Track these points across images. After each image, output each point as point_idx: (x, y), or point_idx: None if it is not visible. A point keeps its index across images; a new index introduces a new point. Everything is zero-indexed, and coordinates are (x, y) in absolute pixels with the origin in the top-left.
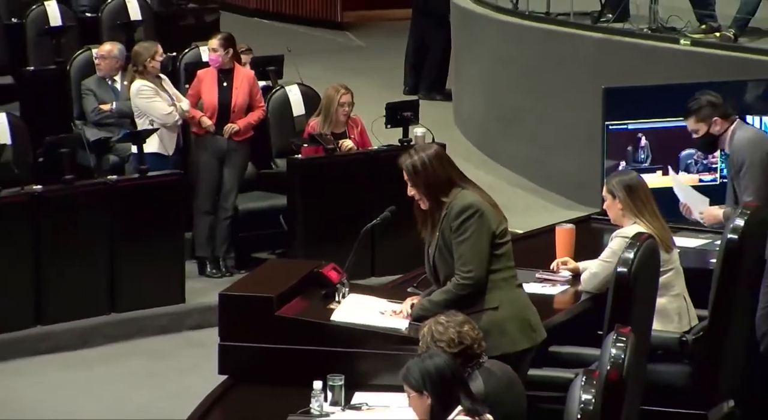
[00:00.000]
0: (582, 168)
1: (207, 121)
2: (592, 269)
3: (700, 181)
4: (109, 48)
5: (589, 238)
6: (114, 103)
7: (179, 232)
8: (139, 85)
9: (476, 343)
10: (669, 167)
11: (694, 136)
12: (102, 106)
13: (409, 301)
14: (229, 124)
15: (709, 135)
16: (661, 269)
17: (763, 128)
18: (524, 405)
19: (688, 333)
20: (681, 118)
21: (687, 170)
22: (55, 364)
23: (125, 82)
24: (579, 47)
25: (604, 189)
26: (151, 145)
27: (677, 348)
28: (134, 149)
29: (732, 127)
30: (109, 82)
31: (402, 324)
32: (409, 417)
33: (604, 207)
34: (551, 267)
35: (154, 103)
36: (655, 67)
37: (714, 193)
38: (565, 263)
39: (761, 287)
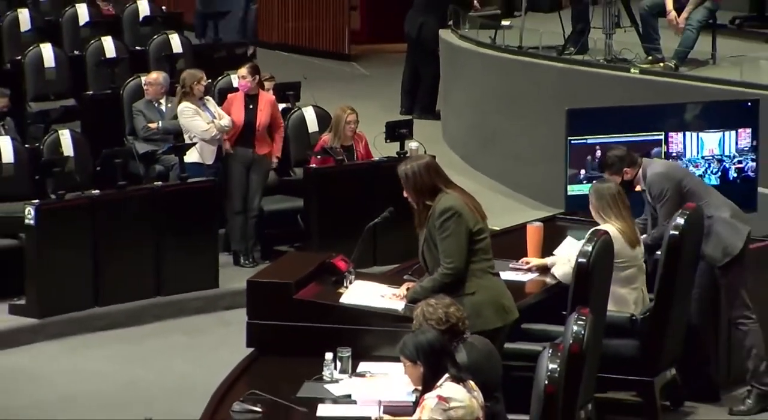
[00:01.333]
0: (548, 176)
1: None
2: (562, 259)
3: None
4: (156, 76)
5: (554, 234)
6: (160, 122)
7: (214, 228)
8: (182, 106)
9: (461, 321)
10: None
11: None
12: (150, 125)
13: (404, 286)
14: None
15: (624, 181)
16: (626, 264)
17: (699, 142)
18: (500, 373)
19: (639, 314)
20: (631, 134)
21: None
22: (111, 339)
23: (170, 105)
24: (546, 75)
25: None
26: (191, 156)
27: (628, 326)
28: (177, 160)
29: (641, 168)
30: (156, 105)
31: (399, 305)
32: (405, 383)
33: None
34: (519, 263)
35: (194, 121)
36: (610, 92)
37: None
38: (528, 263)
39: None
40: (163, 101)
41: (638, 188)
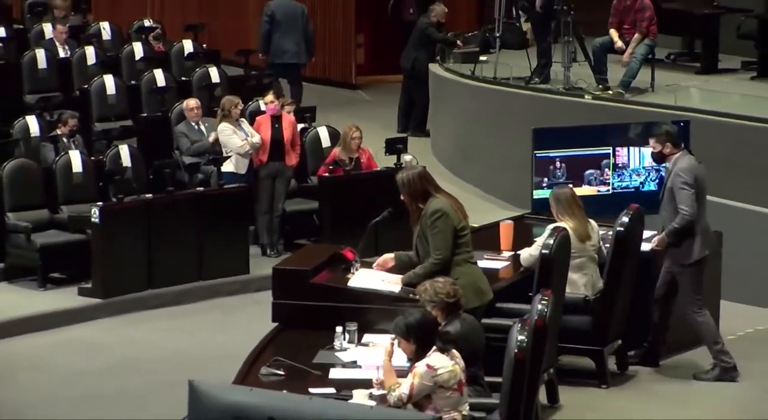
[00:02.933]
0: (518, 182)
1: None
2: (532, 252)
3: (598, 191)
4: (194, 103)
5: (522, 230)
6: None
7: (245, 225)
8: (222, 126)
9: (460, 297)
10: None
11: (652, 151)
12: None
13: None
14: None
15: (660, 153)
16: (576, 255)
17: (640, 155)
18: (484, 343)
19: (591, 295)
20: (585, 148)
21: (589, 184)
22: (161, 315)
23: (206, 125)
24: (516, 101)
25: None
26: (227, 167)
27: (582, 304)
28: (216, 170)
29: (678, 154)
30: (195, 126)
31: (396, 288)
32: (400, 352)
33: None
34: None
35: (231, 139)
36: (568, 115)
37: (603, 201)
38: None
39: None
40: (201, 122)
41: (665, 165)
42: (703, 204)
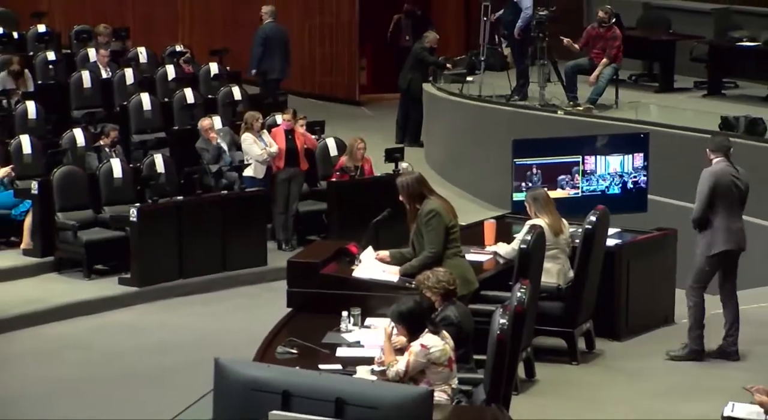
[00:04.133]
0: (500, 186)
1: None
2: (514, 245)
3: (569, 194)
4: (207, 124)
5: (503, 228)
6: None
7: (263, 223)
8: (245, 136)
9: (457, 286)
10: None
11: None
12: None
13: (382, 253)
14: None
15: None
16: (551, 247)
17: (606, 163)
18: (473, 326)
19: (563, 284)
20: (558, 157)
21: (561, 187)
22: (190, 302)
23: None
24: (498, 116)
25: (525, 199)
26: (248, 172)
27: (556, 292)
28: (238, 175)
29: (716, 160)
30: (213, 141)
31: (394, 278)
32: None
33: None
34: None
35: (252, 148)
36: (543, 128)
37: (573, 203)
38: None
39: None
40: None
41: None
42: (724, 205)
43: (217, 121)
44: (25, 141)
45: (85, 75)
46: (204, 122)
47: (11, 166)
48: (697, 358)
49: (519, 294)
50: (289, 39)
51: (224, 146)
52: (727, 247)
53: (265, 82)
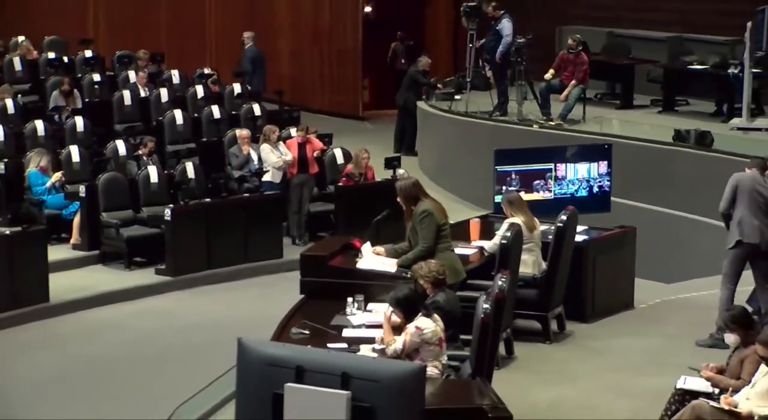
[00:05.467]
0: (483, 190)
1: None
2: (495, 241)
3: (543, 197)
4: (245, 134)
5: (487, 226)
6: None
7: (280, 221)
8: (264, 146)
9: (446, 275)
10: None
11: None
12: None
13: (378, 249)
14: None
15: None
16: (527, 241)
17: (575, 170)
18: (460, 310)
19: (538, 274)
20: (533, 165)
21: (536, 191)
22: (217, 290)
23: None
24: (482, 129)
25: (502, 201)
26: (266, 178)
27: (531, 281)
28: (258, 180)
29: (749, 168)
30: (244, 151)
31: (392, 269)
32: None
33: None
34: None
35: (269, 156)
36: (521, 139)
37: (547, 204)
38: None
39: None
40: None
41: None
42: (743, 203)
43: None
44: (74, 151)
45: (126, 94)
46: (242, 133)
47: (62, 172)
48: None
49: (500, 283)
50: (265, 59)
51: (254, 156)
52: (742, 238)
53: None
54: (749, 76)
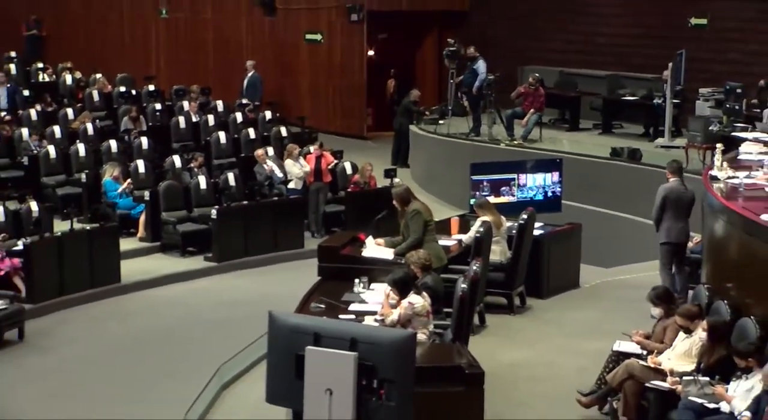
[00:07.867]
0: (462, 195)
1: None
2: (471, 234)
3: (509, 200)
4: (261, 152)
5: (464, 223)
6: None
7: (302, 219)
8: (287, 161)
9: (432, 262)
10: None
11: None
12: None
13: (379, 241)
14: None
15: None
16: (495, 235)
17: (533, 179)
18: (443, 289)
19: (504, 260)
20: (500, 174)
21: (503, 195)
22: (253, 273)
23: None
24: (461, 147)
25: (474, 205)
26: (291, 185)
27: (499, 266)
28: (285, 187)
29: (671, 179)
30: (265, 166)
31: (390, 256)
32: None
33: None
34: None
35: (292, 169)
36: (491, 155)
37: (512, 206)
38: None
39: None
40: (268, 162)
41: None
42: (670, 210)
43: (270, 151)
44: (140, 164)
45: (181, 119)
46: (258, 152)
47: (130, 180)
48: None
49: (475, 268)
50: (262, 81)
51: (276, 168)
52: (670, 239)
53: (254, 108)
54: (670, 105)
